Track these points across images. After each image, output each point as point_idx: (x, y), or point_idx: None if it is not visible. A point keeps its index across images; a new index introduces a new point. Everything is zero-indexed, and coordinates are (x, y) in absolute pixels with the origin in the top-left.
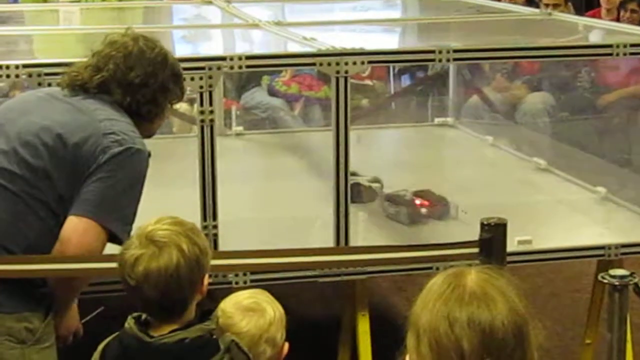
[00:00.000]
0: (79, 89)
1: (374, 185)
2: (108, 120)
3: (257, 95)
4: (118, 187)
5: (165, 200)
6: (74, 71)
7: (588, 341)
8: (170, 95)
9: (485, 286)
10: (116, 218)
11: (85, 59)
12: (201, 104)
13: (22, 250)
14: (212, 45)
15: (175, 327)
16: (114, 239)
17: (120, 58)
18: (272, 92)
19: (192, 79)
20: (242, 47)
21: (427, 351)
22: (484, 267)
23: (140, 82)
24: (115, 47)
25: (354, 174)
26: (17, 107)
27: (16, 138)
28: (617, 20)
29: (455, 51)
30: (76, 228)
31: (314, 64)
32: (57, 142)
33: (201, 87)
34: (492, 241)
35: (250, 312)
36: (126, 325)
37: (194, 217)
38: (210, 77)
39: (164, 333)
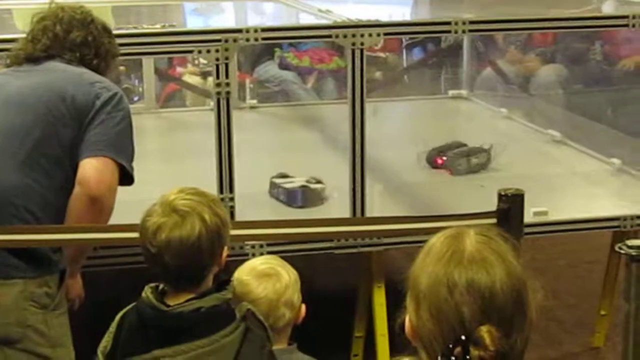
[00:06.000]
0: (26, 61)
1: (319, 186)
2: (84, 73)
3: (269, 69)
4: (118, 127)
5: (180, 172)
6: (16, 48)
7: (603, 312)
8: (107, 48)
9: (484, 250)
10: (125, 155)
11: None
12: (217, 77)
13: (42, 209)
14: (227, 18)
15: (191, 296)
16: (122, 178)
17: (54, 25)
18: (284, 65)
19: (208, 51)
20: (257, 19)
21: (427, 316)
22: (483, 229)
23: (81, 41)
24: (47, 19)
25: (285, 176)
26: None
27: (13, 102)
28: None
29: (471, 22)
30: (94, 168)
31: (329, 36)
32: (55, 98)
33: (217, 59)
34: (509, 212)
35: (265, 277)
36: (143, 294)
37: (209, 189)
38: (226, 50)
39: (181, 302)
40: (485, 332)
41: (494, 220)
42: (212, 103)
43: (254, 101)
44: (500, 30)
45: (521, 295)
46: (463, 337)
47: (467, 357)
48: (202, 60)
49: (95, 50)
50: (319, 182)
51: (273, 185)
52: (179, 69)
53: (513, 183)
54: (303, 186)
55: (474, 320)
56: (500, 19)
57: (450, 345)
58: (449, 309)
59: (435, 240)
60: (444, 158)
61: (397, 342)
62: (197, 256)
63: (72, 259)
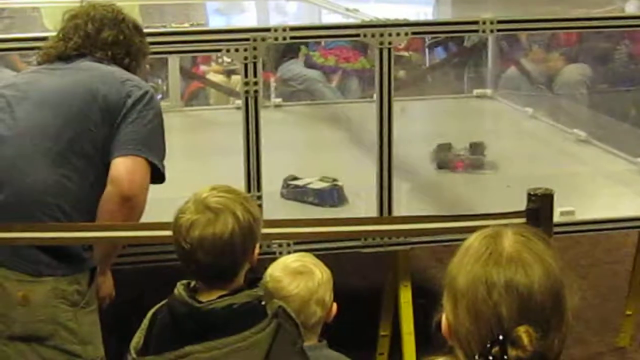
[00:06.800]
0: (57, 60)
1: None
2: (115, 71)
3: (293, 67)
4: (150, 125)
5: (206, 171)
6: (47, 46)
7: (629, 312)
8: (139, 47)
9: (522, 250)
10: (157, 154)
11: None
12: (245, 75)
13: (72, 206)
14: (250, 17)
15: (223, 293)
16: (153, 176)
17: (86, 24)
18: (309, 64)
19: (237, 50)
20: (280, 19)
21: (464, 315)
22: (520, 228)
23: (112, 40)
24: (78, 17)
25: (295, 178)
26: (23, 80)
27: (45, 100)
28: None
29: (499, 22)
30: (126, 167)
31: (357, 35)
32: (88, 96)
33: (245, 58)
34: (539, 211)
35: (298, 275)
36: (175, 291)
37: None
38: (254, 49)
39: (213, 299)
40: (523, 332)
41: (523, 220)
42: (236, 101)
43: (279, 100)
44: (528, 30)
45: (559, 296)
46: (501, 337)
47: (505, 357)
48: (225, 59)
49: (126, 49)
50: (334, 180)
51: (293, 187)
52: (202, 68)
53: (539, 182)
54: (335, 185)
55: (512, 320)
56: (528, 19)
57: (488, 345)
58: (487, 308)
59: (473, 240)
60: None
61: (423, 341)
62: (229, 253)
63: (103, 257)
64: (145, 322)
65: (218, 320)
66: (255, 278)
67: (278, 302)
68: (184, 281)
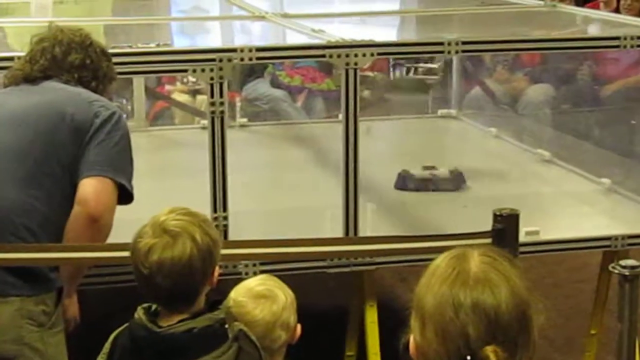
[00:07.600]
0: (23, 82)
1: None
2: (82, 92)
3: (259, 87)
4: (118, 147)
5: (171, 191)
6: (13, 69)
7: (593, 331)
8: (105, 71)
9: (489, 270)
10: (124, 174)
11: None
12: (212, 96)
13: (41, 227)
14: (215, 37)
15: (184, 317)
16: (121, 197)
17: (53, 47)
18: (275, 84)
19: (203, 70)
20: (249, 38)
21: (432, 336)
22: (486, 249)
23: (79, 63)
24: (46, 41)
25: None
26: None
27: (13, 121)
28: (617, 11)
29: (464, 43)
30: (93, 188)
31: (323, 56)
32: (55, 117)
33: (212, 78)
34: (505, 232)
35: (262, 299)
36: (135, 315)
37: (200, 208)
38: (220, 69)
39: (173, 323)
40: (490, 352)
41: (488, 240)
42: (202, 121)
43: (244, 120)
44: (492, 51)
45: (525, 316)
46: (469, 358)
47: None
48: (190, 79)
49: (93, 73)
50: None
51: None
52: (167, 87)
53: (503, 202)
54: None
55: (480, 340)
56: (492, 40)
57: None
58: (455, 329)
59: (440, 261)
60: None
61: None
62: (189, 276)
63: (69, 278)
64: (107, 345)
65: (178, 345)
66: (216, 300)
67: (239, 325)
68: (145, 305)
